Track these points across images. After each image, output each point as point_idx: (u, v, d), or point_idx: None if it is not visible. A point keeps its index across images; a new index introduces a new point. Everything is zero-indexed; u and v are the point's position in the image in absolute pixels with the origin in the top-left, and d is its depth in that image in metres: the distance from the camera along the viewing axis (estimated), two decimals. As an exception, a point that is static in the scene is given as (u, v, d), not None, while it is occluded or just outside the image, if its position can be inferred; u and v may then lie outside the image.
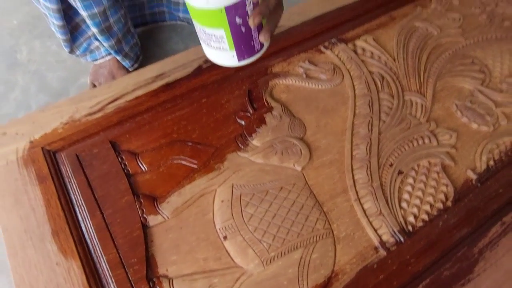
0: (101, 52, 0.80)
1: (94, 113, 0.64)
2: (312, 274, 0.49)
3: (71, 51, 0.78)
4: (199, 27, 0.50)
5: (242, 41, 0.50)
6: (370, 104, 0.66)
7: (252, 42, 0.51)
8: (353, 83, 0.69)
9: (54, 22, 0.72)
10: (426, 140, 0.62)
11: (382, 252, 0.51)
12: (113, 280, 0.48)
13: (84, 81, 0.85)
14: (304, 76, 0.69)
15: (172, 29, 0.95)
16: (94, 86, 0.82)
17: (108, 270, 0.49)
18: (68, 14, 0.75)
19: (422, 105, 0.66)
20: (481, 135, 0.63)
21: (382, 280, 0.49)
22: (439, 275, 0.50)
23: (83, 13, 0.70)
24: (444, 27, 0.78)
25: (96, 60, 0.81)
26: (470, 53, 0.74)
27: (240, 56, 0.52)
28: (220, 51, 0.51)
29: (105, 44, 0.76)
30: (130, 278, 0.49)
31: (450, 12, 0.81)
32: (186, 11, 0.92)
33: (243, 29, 0.48)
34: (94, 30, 0.74)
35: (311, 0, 0.83)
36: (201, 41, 0.53)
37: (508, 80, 0.70)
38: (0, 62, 0.86)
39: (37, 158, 0.59)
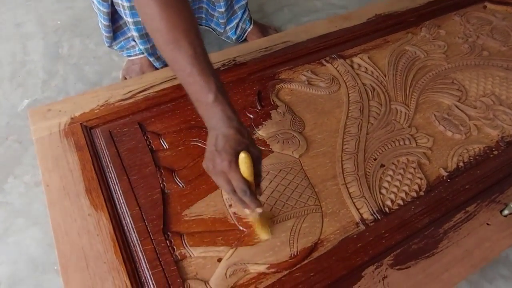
0: (135, 50, 0.93)
1: (126, 99, 0.75)
2: (301, 239, 0.59)
3: (110, 46, 0.91)
4: None
5: None
6: (361, 109, 0.77)
7: None
8: (348, 92, 0.80)
9: (102, 22, 0.86)
10: (407, 142, 0.72)
11: (362, 227, 0.61)
12: (135, 231, 0.58)
13: (116, 75, 0.97)
14: (307, 83, 0.81)
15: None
16: (125, 79, 0.94)
17: (131, 223, 0.59)
18: (114, 17, 0.88)
19: (405, 114, 0.77)
20: (454, 141, 0.74)
21: (359, 248, 0.58)
22: (408, 247, 0.59)
23: (129, 19, 0.83)
24: (430, 52, 0.90)
25: (130, 56, 0.94)
26: (451, 74, 0.86)
27: None
28: None
29: (142, 47, 0.89)
30: (149, 230, 0.58)
31: (437, 40, 0.94)
32: (217, 24, 1.07)
33: None
34: (134, 34, 0.86)
35: (317, 21, 0.96)
36: None
37: (481, 99, 0.81)
38: (45, 54, 0.99)
39: (76, 132, 0.70)
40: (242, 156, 0.50)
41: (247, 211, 0.56)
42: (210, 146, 0.53)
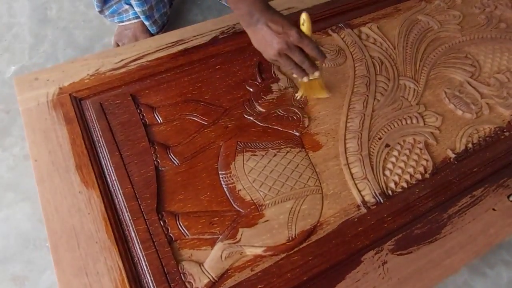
0: (128, 14, 0.86)
1: (118, 68, 0.70)
2: (300, 221, 0.57)
3: (101, 11, 0.85)
4: None
5: None
6: (368, 84, 0.72)
7: None
8: (354, 65, 0.76)
9: None
10: (414, 120, 0.69)
11: (363, 210, 0.59)
12: (127, 210, 0.56)
13: (108, 40, 0.92)
14: (311, 54, 0.76)
15: (192, 1, 1.02)
16: (118, 46, 0.89)
17: (123, 202, 0.56)
18: None
19: (414, 90, 0.73)
20: (464, 121, 0.70)
21: (360, 231, 0.56)
22: (410, 232, 0.57)
23: None
24: (444, 22, 0.84)
25: (122, 22, 0.88)
26: (465, 48, 0.81)
27: None
28: None
29: (138, 9, 0.82)
30: (142, 209, 0.56)
31: (452, 9, 0.87)
32: None
33: None
34: None
35: (324, -14, 0.89)
36: None
37: (496, 76, 0.76)
38: (32, 17, 0.93)
39: (65, 103, 0.66)
40: (306, 14, 0.59)
41: (305, 78, 0.64)
42: (268, 35, 0.59)
